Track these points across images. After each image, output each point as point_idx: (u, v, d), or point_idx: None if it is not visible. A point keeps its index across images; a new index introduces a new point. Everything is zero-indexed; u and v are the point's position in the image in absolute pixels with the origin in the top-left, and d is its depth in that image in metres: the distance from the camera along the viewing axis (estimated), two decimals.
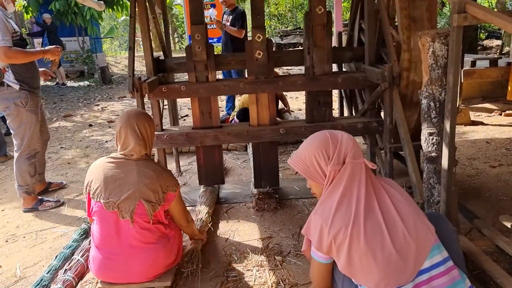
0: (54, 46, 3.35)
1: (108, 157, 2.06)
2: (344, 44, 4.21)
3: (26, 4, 11.14)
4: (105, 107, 8.13)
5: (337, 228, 1.34)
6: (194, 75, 3.08)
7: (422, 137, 2.08)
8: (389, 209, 1.37)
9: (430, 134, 2.02)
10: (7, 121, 3.29)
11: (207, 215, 2.80)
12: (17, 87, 3.15)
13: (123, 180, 1.96)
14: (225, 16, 5.66)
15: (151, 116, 2.20)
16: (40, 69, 3.46)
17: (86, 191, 2.04)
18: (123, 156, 2.03)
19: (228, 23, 5.45)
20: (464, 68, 5.35)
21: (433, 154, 2.04)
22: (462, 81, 5.29)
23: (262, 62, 3.00)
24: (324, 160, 1.44)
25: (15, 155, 3.31)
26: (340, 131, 1.51)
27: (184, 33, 15.83)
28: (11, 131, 3.32)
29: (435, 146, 2.03)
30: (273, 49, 3.10)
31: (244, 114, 4.65)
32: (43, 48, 3.31)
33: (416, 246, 1.32)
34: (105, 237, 2.00)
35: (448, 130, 1.86)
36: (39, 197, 3.44)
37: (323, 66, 3.05)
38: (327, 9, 2.91)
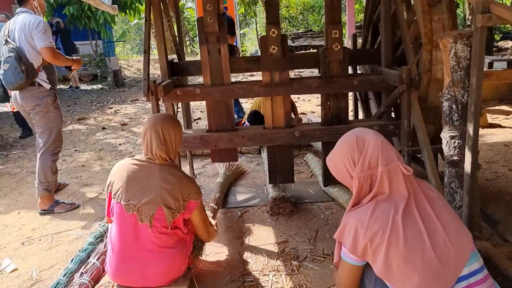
0: (79, 58, 3.67)
1: (133, 159, 2.06)
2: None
3: None
4: (118, 110, 8.18)
5: (374, 230, 1.30)
6: (206, 48, 3.01)
7: (444, 141, 2.03)
8: (429, 214, 1.33)
9: (452, 137, 1.98)
10: (35, 120, 3.38)
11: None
12: (48, 86, 3.34)
13: (145, 184, 1.95)
14: None
15: (178, 121, 2.17)
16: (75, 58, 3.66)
17: (107, 190, 2.03)
18: (147, 159, 2.02)
19: None
20: None
21: (455, 157, 1.99)
22: None
23: (276, 57, 2.95)
24: (351, 167, 1.41)
25: (40, 152, 3.40)
26: (370, 133, 1.44)
27: (196, 36, 15.89)
28: (37, 129, 3.41)
29: (457, 149, 1.98)
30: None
31: (254, 117, 4.63)
32: (73, 58, 3.59)
33: (455, 252, 1.28)
34: (123, 239, 1.98)
35: (471, 133, 1.81)
36: (56, 199, 3.47)
37: (338, 68, 3.01)
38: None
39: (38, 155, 3.41)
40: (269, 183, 3.26)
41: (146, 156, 2.04)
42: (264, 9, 3.08)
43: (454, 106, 1.94)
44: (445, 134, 2.01)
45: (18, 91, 3.32)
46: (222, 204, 3.18)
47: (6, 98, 6.09)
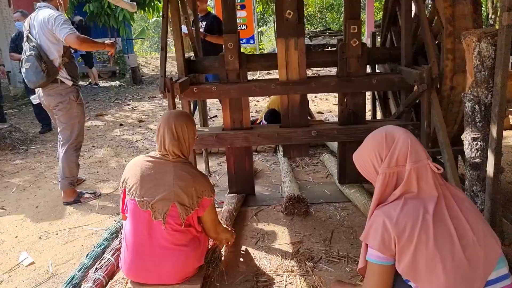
0: (111, 42, 3.68)
1: (147, 156, 2.05)
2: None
3: None
4: (136, 106, 8.24)
5: (403, 225, 1.26)
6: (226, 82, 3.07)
7: (465, 142, 1.97)
8: (458, 215, 1.30)
9: (474, 139, 1.92)
10: (57, 116, 3.42)
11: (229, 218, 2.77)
12: (70, 83, 3.36)
13: (159, 181, 1.94)
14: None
15: (193, 119, 2.15)
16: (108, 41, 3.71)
17: (122, 187, 2.04)
18: (161, 156, 2.02)
19: (202, 30, 5.03)
20: None
21: (477, 160, 1.93)
22: None
23: (292, 23, 2.86)
24: (377, 162, 1.39)
25: (63, 148, 3.45)
26: (401, 130, 1.41)
27: None
28: (60, 126, 3.45)
29: (479, 152, 1.92)
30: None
31: (272, 115, 4.59)
32: (105, 42, 3.61)
33: (485, 256, 1.25)
34: (137, 236, 1.98)
35: (495, 135, 1.75)
36: (78, 191, 3.56)
37: (356, 64, 2.95)
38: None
39: (62, 151, 3.45)
40: (283, 156, 3.27)
41: (160, 153, 2.03)
42: None
43: (477, 107, 1.88)
44: (467, 136, 1.95)
45: (41, 89, 3.36)
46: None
47: (28, 94, 6.19)
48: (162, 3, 3.07)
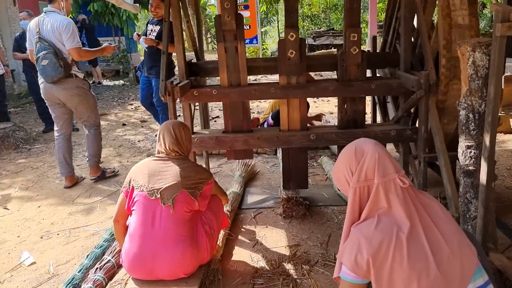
0: (107, 45, 4.05)
1: (152, 156, 2.26)
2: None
3: None
4: (138, 106, 8.28)
5: (376, 247, 1.26)
6: (223, 46, 3.05)
7: (460, 150, 2.00)
8: (432, 229, 1.29)
9: (468, 147, 1.94)
10: (78, 107, 3.82)
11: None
12: (81, 75, 3.83)
13: (166, 172, 2.14)
14: (150, 26, 4.91)
15: (188, 126, 2.38)
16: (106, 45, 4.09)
17: (129, 186, 2.16)
18: (165, 155, 2.23)
19: (155, 33, 4.79)
20: (506, 74, 5.13)
21: (471, 167, 1.95)
22: (503, 87, 5.08)
23: (294, 62, 2.95)
24: (349, 177, 1.38)
25: (91, 131, 3.97)
26: (370, 144, 1.41)
27: None
28: (82, 115, 3.88)
29: (473, 159, 1.94)
30: (306, 50, 3.05)
31: (279, 115, 4.62)
32: (101, 47, 4.05)
33: (460, 269, 1.24)
34: (141, 227, 2.06)
35: (488, 144, 1.78)
36: (102, 168, 4.12)
37: (356, 71, 2.99)
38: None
39: (88, 134, 3.97)
40: (283, 188, 3.25)
41: (162, 153, 2.25)
42: (284, 12, 3.05)
43: (471, 115, 1.90)
44: (461, 143, 1.98)
45: (54, 85, 3.68)
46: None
47: (31, 93, 6.25)
48: (164, 7, 3.09)
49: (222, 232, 2.61)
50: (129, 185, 2.16)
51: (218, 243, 2.47)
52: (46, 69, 3.58)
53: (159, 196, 2.06)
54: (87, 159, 4.07)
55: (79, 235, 2.98)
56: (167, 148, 2.22)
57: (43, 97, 3.85)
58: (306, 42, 15.82)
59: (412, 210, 1.30)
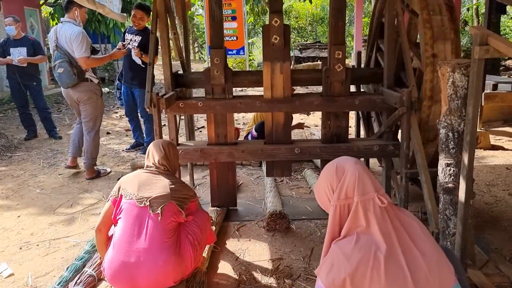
0: (116, 50, 4.42)
1: (141, 169, 2.30)
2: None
3: (52, 11, 11.45)
4: (123, 115, 8.21)
5: (355, 266, 1.26)
6: (211, 97, 3.13)
7: (439, 167, 2.04)
8: (410, 248, 1.30)
9: (448, 164, 1.99)
10: (86, 108, 4.17)
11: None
12: (96, 81, 4.21)
13: (156, 184, 2.19)
14: (129, 36, 4.81)
15: (175, 145, 2.51)
16: (116, 50, 4.51)
17: (117, 194, 2.18)
18: (154, 168, 2.28)
19: (135, 43, 4.75)
20: (485, 92, 5.27)
21: (450, 185, 2.00)
22: (483, 104, 5.21)
23: (278, 47, 2.98)
24: (330, 194, 1.40)
25: (90, 134, 4.23)
26: (351, 162, 1.43)
27: (204, 43, 16.02)
28: (87, 116, 4.20)
29: (452, 177, 1.99)
30: (292, 66, 3.09)
31: (263, 127, 4.64)
32: (110, 53, 4.53)
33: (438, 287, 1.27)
34: (126, 235, 2.06)
35: (466, 162, 1.82)
36: (96, 169, 4.36)
37: (340, 88, 3.04)
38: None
39: (89, 137, 4.24)
40: (266, 176, 3.41)
41: (152, 167, 2.30)
42: None
43: (450, 134, 1.95)
44: (441, 161, 2.03)
45: (71, 88, 4.08)
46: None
47: (14, 100, 6.15)
48: (152, 19, 3.11)
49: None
50: (118, 193, 2.18)
51: (203, 255, 2.46)
52: (62, 76, 3.98)
53: (148, 204, 2.09)
54: (83, 161, 4.29)
55: (59, 246, 2.93)
56: (156, 162, 2.28)
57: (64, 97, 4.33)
58: (293, 55, 16.07)
59: (390, 229, 1.32)
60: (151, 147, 2.34)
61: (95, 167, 4.38)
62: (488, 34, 1.72)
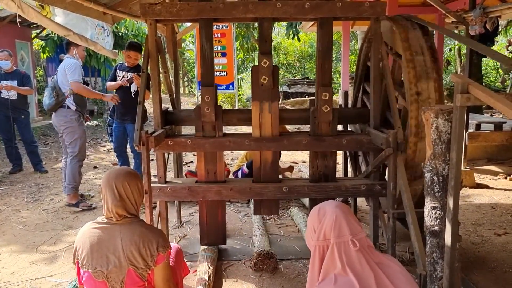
0: (111, 95, 4.63)
1: (94, 222, 1.94)
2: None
3: (43, 44, 11.55)
4: (111, 148, 8.17)
5: None
6: (201, 134, 3.15)
7: (426, 210, 2.06)
8: None
9: (433, 208, 2.01)
10: (64, 135, 4.45)
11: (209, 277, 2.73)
12: (74, 108, 4.44)
13: (109, 249, 1.86)
14: (121, 72, 4.79)
15: (136, 174, 2.02)
16: (108, 95, 4.73)
17: (75, 259, 1.94)
18: (107, 220, 1.91)
19: (127, 80, 4.71)
20: (469, 131, 5.38)
21: (436, 228, 2.01)
22: (467, 143, 5.31)
23: (267, 87, 3.04)
24: (313, 235, 1.47)
25: (68, 160, 4.44)
26: (332, 205, 1.49)
27: (194, 77, 16.21)
28: (67, 142, 4.45)
29: (438, 220, 2.00)
30: (280, 102, 3.15)
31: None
32: (102, 94, 4.87)
33: None
34: None
35: (451, 207, 1.85)
36: (80, 197, 4.50)
37: (327, 128, 3.10)
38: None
39: (68, 162, 4.44)
40: (254, 214, 3.39)
41: (105, 216, 1.93)
42: (258, 40, 3.11)
43: (435, 178, 1.99)
44: (427, 204, 2.05)
45: (53, 113, 4.44)
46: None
47: (0, 131, 6.06)
48: (144, 47, 3.16)
49: None
50: (75, 258, 1.93)
51: None
52: (45, 99, 4.42)
53: (106, 279, 1.84)
54: (64, 186, 4.48)
55: (40, 287, 2.84)
56: (111, 211, 1.89)
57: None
58: (281, 90, 16.33)
59: (366, 271, 1.35)
60: (103, 185, 1.92)
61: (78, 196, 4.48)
62: (468, 82, 1.78)
